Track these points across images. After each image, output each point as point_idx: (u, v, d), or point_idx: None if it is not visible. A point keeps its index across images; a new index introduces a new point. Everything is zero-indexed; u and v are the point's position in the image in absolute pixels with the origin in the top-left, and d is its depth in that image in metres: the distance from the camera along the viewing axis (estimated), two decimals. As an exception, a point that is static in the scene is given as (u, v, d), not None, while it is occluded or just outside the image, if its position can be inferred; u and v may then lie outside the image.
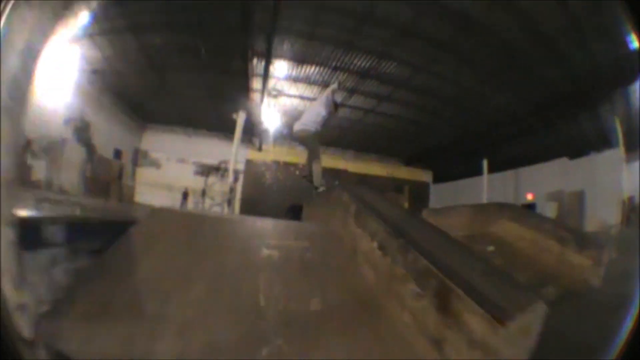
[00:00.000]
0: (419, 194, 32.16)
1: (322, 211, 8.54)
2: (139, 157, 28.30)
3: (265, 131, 26.95)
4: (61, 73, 17.36)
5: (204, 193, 27.87)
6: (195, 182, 28.17)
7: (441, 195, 31.79)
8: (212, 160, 27.87)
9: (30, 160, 17.53)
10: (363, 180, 30.09)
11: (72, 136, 20.89)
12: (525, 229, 9.15)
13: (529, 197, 23.60)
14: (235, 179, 27.47)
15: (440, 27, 17.09)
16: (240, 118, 21.00)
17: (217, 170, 27.30)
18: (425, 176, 33.67)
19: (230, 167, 21.39)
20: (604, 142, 19.73)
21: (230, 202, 19.52)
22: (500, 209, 10.73)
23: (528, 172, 24.56)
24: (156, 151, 28.49)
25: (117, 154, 25.97)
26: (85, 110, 21.52)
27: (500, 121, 22.92)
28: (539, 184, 23.49)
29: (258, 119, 25.41)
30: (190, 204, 27.73)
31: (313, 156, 12.75)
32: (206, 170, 28.27)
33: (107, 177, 24.69)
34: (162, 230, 5.98)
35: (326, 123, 12.50)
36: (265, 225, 6.78)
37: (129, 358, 3.90)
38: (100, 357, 3.89)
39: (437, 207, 28.37)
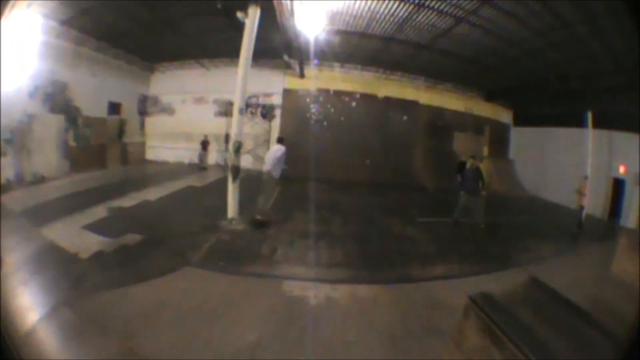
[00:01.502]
0: (498, 137, 25.13)
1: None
2: (148, 105, 22.90)
3: (303, 45, 18.46)
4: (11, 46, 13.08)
5: (227, 138, 20.38)
6: (218, 126, 21.71)
7: (524, 141, 24.79)
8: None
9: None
10: (437, 114, 23.38)
11: (42, 107, 16.73)
12: None
13: (622, 169, 18.45)
14: (270, 117, 21.24)
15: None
16: (250, 19, 13.04)
17: (245, 106, 19.88)
18: (505, 116, 25.93)
19: (235, 107, 13.59)
20: None
21: (236, 173, 12.42)
22: None
23: (622, 139, 18.61)
24: (168, 94, 22.75)
25: (113, 108, 20.70)
26: (56, 71, 17.14)
27: (605, 69, 17.35)
28: (632, 156, 17.62)
29: (287, 22, 16.19)
30: (213, 154, 22.01)
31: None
32: (230, 109, 21.05)
33: (101, 140, 19.80)
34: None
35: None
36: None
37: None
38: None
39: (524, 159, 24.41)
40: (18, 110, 15.18)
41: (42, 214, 12.17)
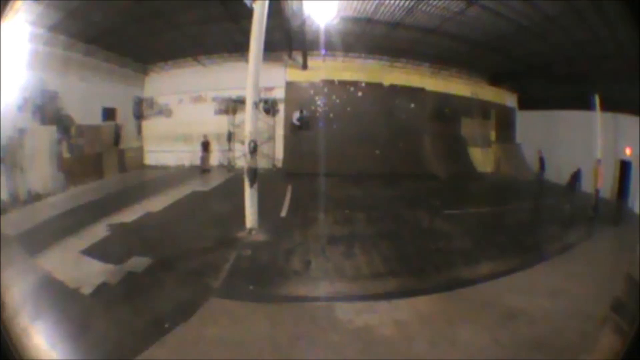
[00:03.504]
0: (504, 121, 24.29)
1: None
2: (143, 108, 21.27)
3: (308, 34, 17.58)
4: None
5: (230, 137, 19.98)
6: (219, 125, 20.27)
7: (530, 125, 23.99)
8: (238, 92, 18.55)
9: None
10: (444, 100, 22.40)
11: (32, 120, 15.29)
12: None
13: (628, 151, 17.98)
14: (274, 111, 19.76)
15: None
16: (260, 4, 11.85)
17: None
18: (510, 100, 24.84)
19: (248, 102, 12.10)
20: None
21: (253, 176, 11.74)
22: None
23: (627, 121, 17.94)
24: (164, 95, 21.13)
25: (108, 113, 19.15)
26: (46, 80, 15.64)
27: (609, 53, 16.37)
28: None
29: (294, 10, 15.76)
30: (215, 155, 20.35)
31: None
32: (231, 106, 20.16)
33: (96, 148, 18.31)
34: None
35: None
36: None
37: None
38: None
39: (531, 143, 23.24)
40: (8, 126, 13.72)
41: (36, 239, 10.63)
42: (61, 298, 7.98)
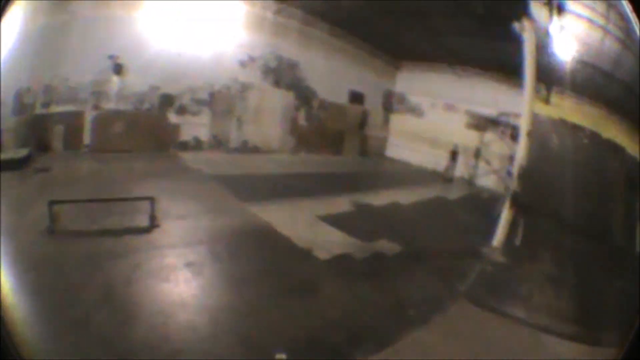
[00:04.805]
0: None
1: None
2: (393, 101, 22.01)
3: (555, 69, 18.16)
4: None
5: (477, 153, 21.28)
6: (467, 138, 19.57)
7: None
8: (489, 111, 20.67)
9: (176, 119, 13.24)
10: (609, 149, 22.21)
11: (261, 79, 15.24)
12: None
13: None
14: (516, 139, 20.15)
15: None
16: (529, 34, 12.79)
17: (495, 124, 19.86)
18: None
19: (522, 130, 12.97)
20: None
21: (516, 200, 12.12)
22: None
23: None
24: (415, 94, 21.97)
25: (356, 97, 20.55)
26: (279, 47, 14.95)
27: None
28: None
29: (543, 44, 16.53)
30: (459, 167, 21.26)
31: None
32: (482, 124, 21.52)
33: (340, 126, 19.93)
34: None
35: None
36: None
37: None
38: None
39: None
40: (225, 76, 13.91)
41: (248, 186, 11.16)
42: (280, 252, 8.53)
